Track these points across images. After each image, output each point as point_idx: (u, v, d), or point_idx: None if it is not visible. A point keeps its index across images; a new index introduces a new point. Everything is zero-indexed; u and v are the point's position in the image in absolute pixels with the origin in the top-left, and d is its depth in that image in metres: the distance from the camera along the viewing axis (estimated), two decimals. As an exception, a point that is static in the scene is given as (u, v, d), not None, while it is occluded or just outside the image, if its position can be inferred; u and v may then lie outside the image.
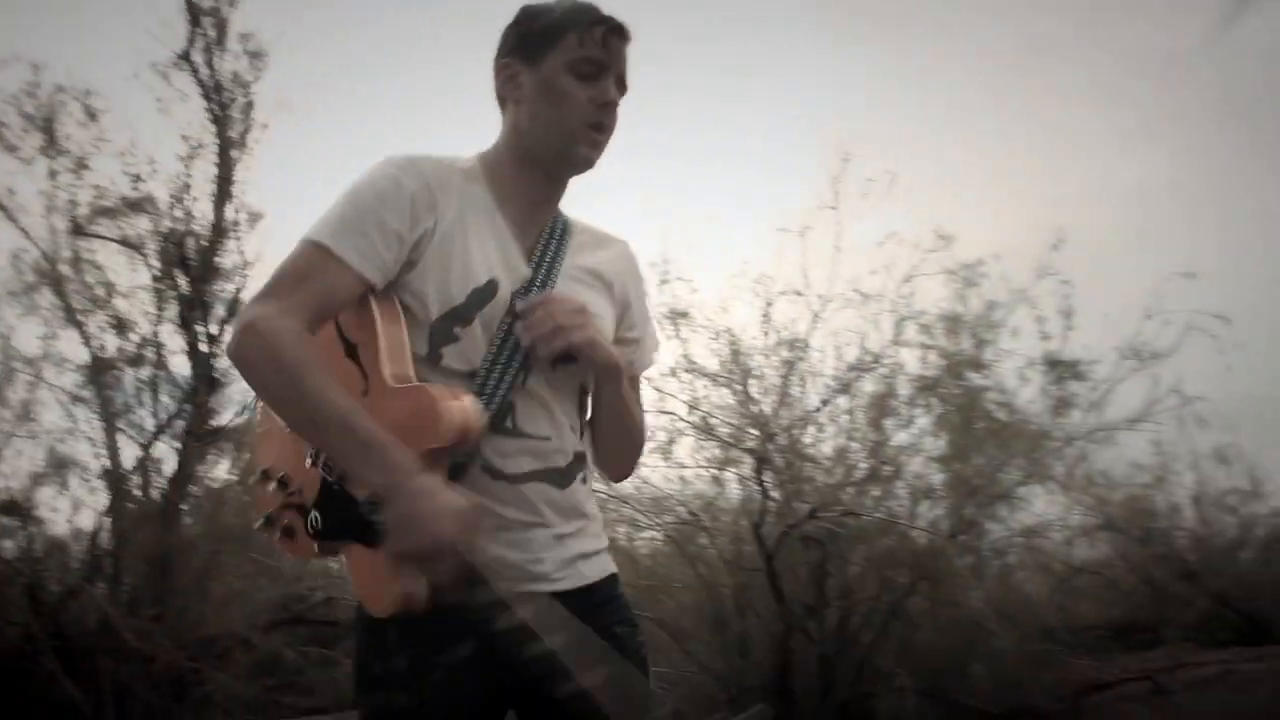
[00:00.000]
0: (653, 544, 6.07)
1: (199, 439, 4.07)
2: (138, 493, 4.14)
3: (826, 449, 5.35)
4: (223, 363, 4.18)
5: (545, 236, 1.40)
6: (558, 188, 1.43)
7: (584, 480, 1.42)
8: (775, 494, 5.12)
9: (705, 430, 5.31)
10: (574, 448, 1.40)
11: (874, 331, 5.19)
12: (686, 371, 5.33)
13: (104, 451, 4.18)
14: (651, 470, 5.73)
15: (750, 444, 5.22)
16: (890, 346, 5.24)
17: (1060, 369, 5.15)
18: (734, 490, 5.47)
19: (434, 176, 1.31)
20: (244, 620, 4.60)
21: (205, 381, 4.11)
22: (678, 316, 5.25)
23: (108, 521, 4.18)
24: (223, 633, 4.12)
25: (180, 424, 4.11)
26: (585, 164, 1.37)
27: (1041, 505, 5.95)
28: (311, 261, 1.23)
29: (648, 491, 5.73)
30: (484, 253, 1.32)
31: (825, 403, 5.20)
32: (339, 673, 4.80)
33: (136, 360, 4.22)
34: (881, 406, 5.26)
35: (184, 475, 4.10)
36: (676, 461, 5.55)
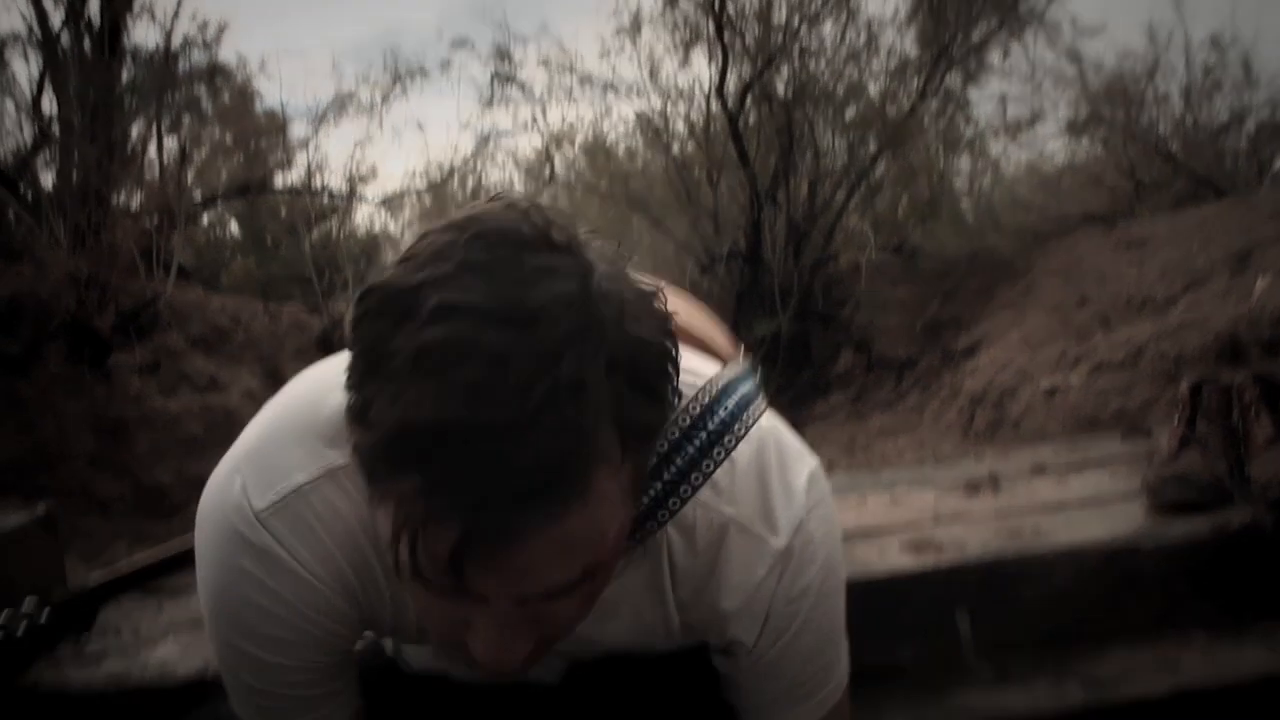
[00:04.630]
0: (623, 127, 5.99)
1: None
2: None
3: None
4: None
5: None
6: None
7: None
8: (736, 50, 4.96)
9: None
10: None
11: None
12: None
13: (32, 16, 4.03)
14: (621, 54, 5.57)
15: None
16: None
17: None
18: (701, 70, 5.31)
19: None
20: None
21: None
22: None
23: (49, 88, 4.11)
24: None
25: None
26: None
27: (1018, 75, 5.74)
28: None
29: (616, 78, 5.58)
30: None
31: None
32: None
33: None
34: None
35: (115, 30, 3.96)
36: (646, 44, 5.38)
